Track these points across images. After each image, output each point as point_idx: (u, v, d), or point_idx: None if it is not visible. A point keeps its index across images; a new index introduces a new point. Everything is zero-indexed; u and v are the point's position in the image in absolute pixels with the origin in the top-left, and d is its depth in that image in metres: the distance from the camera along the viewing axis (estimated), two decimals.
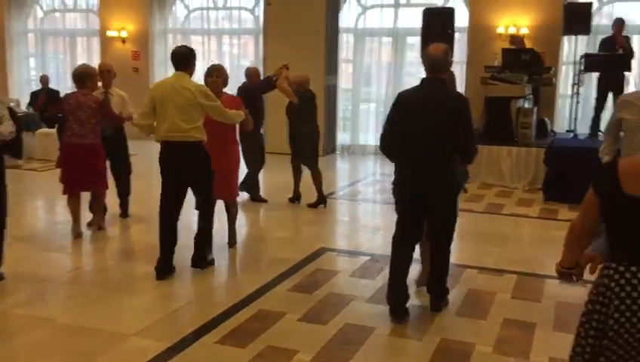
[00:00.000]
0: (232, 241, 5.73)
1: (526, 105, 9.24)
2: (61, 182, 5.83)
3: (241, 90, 7.33)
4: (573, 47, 10.15)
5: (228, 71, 5.56)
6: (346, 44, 12.10)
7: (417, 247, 4.36)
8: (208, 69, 5.41)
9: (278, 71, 7.25)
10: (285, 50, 10.78)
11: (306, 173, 7.39)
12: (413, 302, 4.30)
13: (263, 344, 3.72)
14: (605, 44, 9.30)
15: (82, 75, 5.75)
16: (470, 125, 4.05)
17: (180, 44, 5.26)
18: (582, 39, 10.07)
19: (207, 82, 5.27)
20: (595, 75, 9.65)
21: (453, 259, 4.41)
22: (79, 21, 14.20)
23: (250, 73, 7.60)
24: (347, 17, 11.91)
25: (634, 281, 2.07)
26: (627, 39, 9.27)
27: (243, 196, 7.20)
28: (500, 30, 10.55)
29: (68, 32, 14.10)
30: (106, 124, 5.91)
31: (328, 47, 11.38)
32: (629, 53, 9.14)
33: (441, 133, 3.91)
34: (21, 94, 13.33)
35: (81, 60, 12.53)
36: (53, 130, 7.52)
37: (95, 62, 12.11)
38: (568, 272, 2.41)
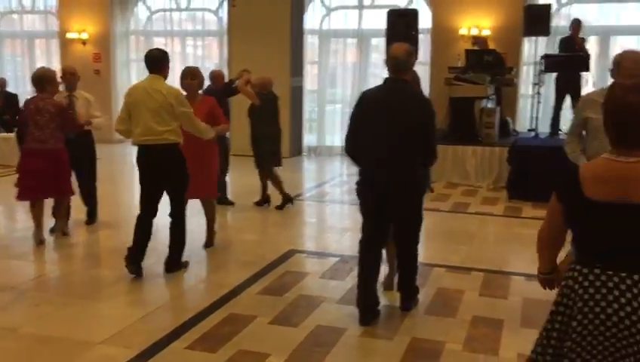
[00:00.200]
0: (208, 242, 5.71)
1: (489, 106, 9.39)
2: (16, 186, 5.68)
3: (206, 93, 7.26)
4: (533, 48, 10.37)
5: None
6: (311, 46, 12.11)
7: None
8: (183, 71, 5.46)
9: (240, 74, 7.33)
10: (250, 51, 10.75)
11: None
12: (383, 301, 4.32)
13: (233, 348, 3.69)
14: (565, 44, 9.52)
15: (42, 79, 5.62)
16: (433, 127, 4.01)
17: (153, 48, 5.32)
18: (542, 40, 10.30)
19: (183, 85, 5.27)
20: (554, 76, 9.87)
21: (421, 258, 4.45)
22: (38, 22, 13.89)
23: (215, 76, 7.56)
24: (312, 19, 11.93)
25: (597, 283, 2.08)
26: (583, 40, 9.52)
27: None
28: (463, 31, 10.70)
29: (26, 34, 13.79)
30: (66, 128, 5.78)
31: (293, 48, 11.38)
32: (586, 54, 9.39)
33: (405, 133, 3.85)
34: None
35: (40, 63, 12.27)
36: (12, 135, 7.33)
37: (55, 65, 11.97)
38: (548, 278, 2.42)
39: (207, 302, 4.41)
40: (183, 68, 5.59)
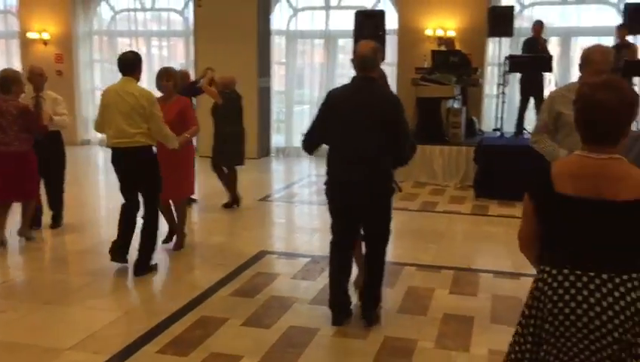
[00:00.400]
0: (178, 245, 5.66)
1: (455, 106, 9.52)
2: None
3: None
4: (497, 49, 10.54)
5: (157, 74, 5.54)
6: (278, 46, 12.08)
7: None
8: (159, 72, 5.51)
9: (203, 72, 7.35)
10: (216, 52, 10.67)
11: (241, 175, 7.34)
12: (355, 301, 4.31)
13: (205, 351, 3.66)
14: (528, 45, 9.70)
15: (6, 80, 5.49)
16: (405, 124, 3.96)
17: (127, 50, 5.34)
18: (505, 41, 10.48)
19: (159, 86, 5.36)
20: (518, 76, 10.05)
21: (391, 257, 4.48)
22: None
23: (181, 76, 7.48)
24: (279, 19, 11.89)
25: (565, 284, 2.06)
26: (545, 41, 9.72)
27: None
28: (429, 32, 10.81)
29: None
30: (31, 130, 5.65)
31: (260, 49, 11.33)
32: (549, 55, 9.59)
33: (374, 131, 3.79)
34: None
35: None
36: None
37: (15, 66, 11.69)
38: None
39: (178, 305, 4.35)
40: (159, 69, 5.61)
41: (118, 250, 5.00)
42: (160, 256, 5.38)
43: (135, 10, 12.67)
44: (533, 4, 10.96)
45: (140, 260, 4.97)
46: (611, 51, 3.68)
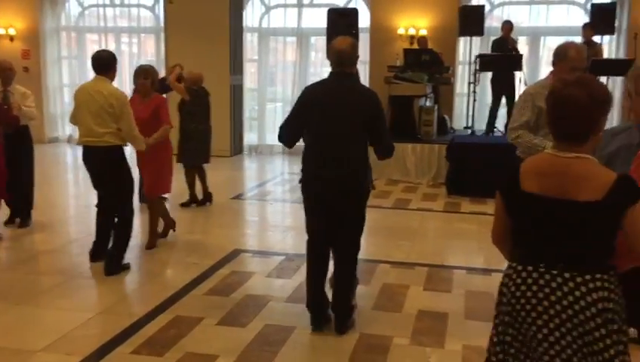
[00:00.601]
0: (150, 244, 5.61)
1: (427, 104, 9.61)
2: None
3: None
4: (468, 48, 10.66)
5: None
6: (250, 44, 12.03)
7: None
8: (136, 70, 5.52)
9: (171, 69, 7.29)
10: (188, 49, 10.56)
11: (213, 173, 7.29)
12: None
13: (181, 351, 3.63)
14: (497, 44, 9.84)
15: None
16: (384, 119, 3.93)
17: (101, 49, 5.32)
18: (476, 40, 10.60)
19: (136, 84, 5.38)
20: (489, 75, 10.18)
21: (366, 254, 4.50)
22: None
23: None
24: (251, 17, 11.84)
25: (529, 281, 2.08)
26: (514, 41, 9.86)
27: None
28: (401, 31, 10.88)
29: None
30: (2, 123, 5.56)
31: (232, 46, 11.26)
32: (519, 54, 9.73)
33: (352, 128, 3.74)
34: None
35: None
36: None
37: None
38: None
39: (152, 304, 4.31)
40: (136, 66, 5.60)
41: (96, 251, 5.07)
42: (132, 254, 5.32)
43: (104, 5, 12.49)
44: (502, 4, 11.11)
45: (112, 259, 4.91)
46: (585, 49, 3.75)
